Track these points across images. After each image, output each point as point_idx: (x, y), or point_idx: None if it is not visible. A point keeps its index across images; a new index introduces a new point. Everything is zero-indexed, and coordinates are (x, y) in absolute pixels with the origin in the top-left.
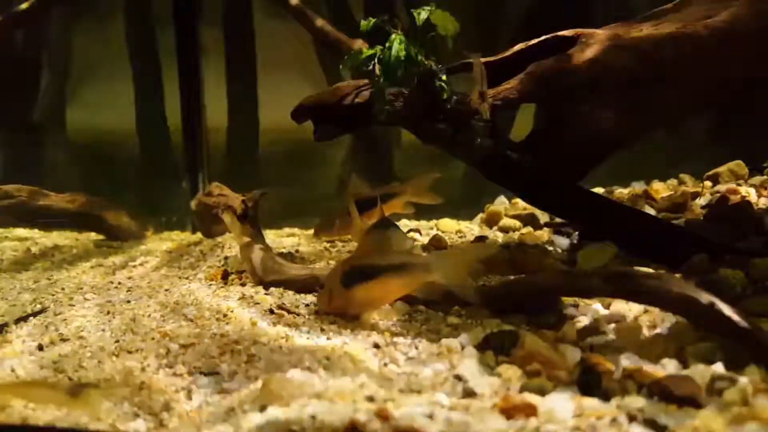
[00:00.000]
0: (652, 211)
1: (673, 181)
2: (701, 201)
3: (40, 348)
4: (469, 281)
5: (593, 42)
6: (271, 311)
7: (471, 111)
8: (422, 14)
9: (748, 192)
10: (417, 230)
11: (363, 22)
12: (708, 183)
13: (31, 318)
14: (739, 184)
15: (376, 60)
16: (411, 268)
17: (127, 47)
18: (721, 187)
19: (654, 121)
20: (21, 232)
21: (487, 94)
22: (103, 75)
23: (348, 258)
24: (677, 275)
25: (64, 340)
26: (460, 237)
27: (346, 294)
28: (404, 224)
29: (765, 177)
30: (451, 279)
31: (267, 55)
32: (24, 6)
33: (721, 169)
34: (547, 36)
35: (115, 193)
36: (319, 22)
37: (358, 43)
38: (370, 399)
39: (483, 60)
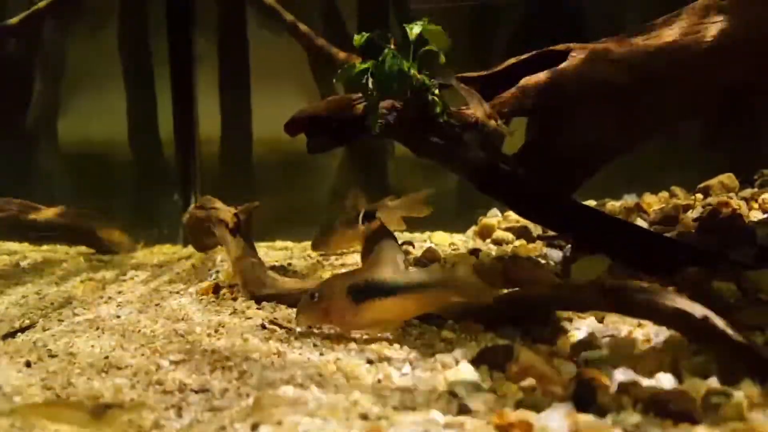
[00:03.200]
0: (644, 224)
1: (664, 194)
2: (693, 213)
3: (28, 365)
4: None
5: (584, 56)
6: (263, 326)
7: (464, 124)
8: (415, 29)
9: (739, 204)
10: (410, 243)
11: (356, 37)
12: (699, 195)
13: (19, 333)
14: (730, 197)
15: (369, 74)
16: (430, 288)
17: (121, 57)
18: (713, 200)
19: (645, 132)
20: (11, 245)
21: (493, 111)
22: (95, 84)
23: (354, 270)
24: (670, 288)
25: (52, 356)
26: (454, 249)
27: (354, 310)
28: (397, 237)
29: (755, 189)
30: (474, 295)
31: (261, 67)
32: (15, 20)
33: (712, 181)
34: (539, 50)
35: (106, 205)
36: (313, 35)
37: (352, 57)
38: (364, 417)
39: (475, 74)
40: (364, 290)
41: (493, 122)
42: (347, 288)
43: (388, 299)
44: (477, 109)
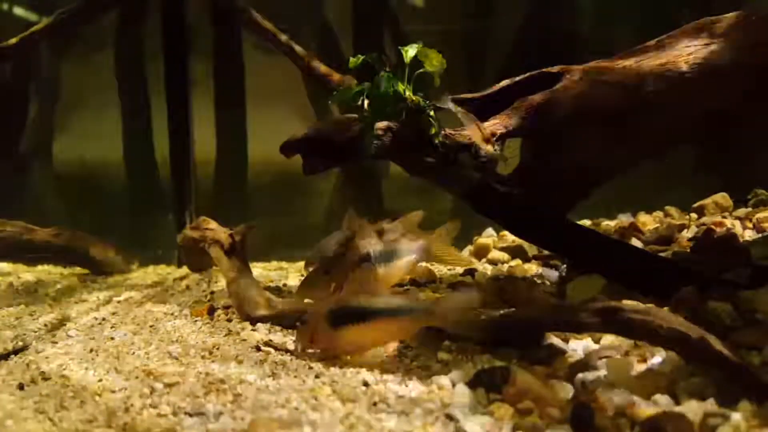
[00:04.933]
0: (639, 244)
1: (659, 213)
2: (688, 233)
3: (21, 387)
4: (472, 322)
5: (578, 77)
6: (258, 348)
7: (459, 145)
8: (410, 51)
9: (734, 224)
10: None
11: (352, 59)
12: (694, 215)
13: (12, 356)
14: (724, 216)
15: (364, 96)
16: (409, 313)
17: (116, 79)
18: (707, 220)
19: (639, 154)
20: (4, 266)
21: (490, 135)
22: (91, 106)
23: (335, 296)
24: (666, 308)
25: (45, 378)
26: (449, 270)
27: (333, 335)
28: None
29: (749, 209)
30: (455, 324)
31: (256, 89)
32: (13, 40)
33: (707, 201)
34: (533, 72)
35: (101, 226)
36: (309, 57)
37: (347, 79)
38: None
39: (469, 96)
40: (340, 315)
41: (489, 147)
42: (326, 313)
43: (364, 324)
44: (474, 133)
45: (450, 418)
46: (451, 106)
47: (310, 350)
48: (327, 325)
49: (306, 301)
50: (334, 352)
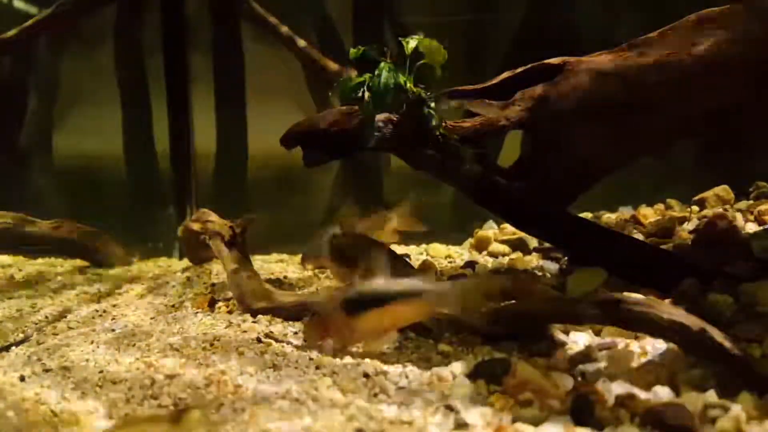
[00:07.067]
0: (640, 236)
1: (660, 206)
2: (689, 226)
3: (22, 379)
4: (481, 311)
5: (579, 69)
6: (259, 340)
7: (460, 137)
8: (411, 43)
9: (735, 216)
10: (407, 255)
11: (352, 51)
12: (695, 208)
13: (13, 347)
14: (725, 209)
15: (365, 87)
16: (425, 296)
17: (116, 73)
18: (708, 212)
19: (640, 147)
20: (5, 258)
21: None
22: (91, 100)
23: (349, 284)
24: (667, 301)
25: (47, 370)
26: (450, 262)
27: (350, 322)
28: (393, 249)
29: (751, 201)
30: (465, 309)
31: (256, 82)
32: (11, 33)
33: (708, 194)
34: (534, 64)
35: (101, 219)
36: (309, 49)
37: (345, 70)
38: None
39: (470, 88)
40: (357, 302)
41: (508, 111)
42: (341, 302)
43: (380, 310)
44: (487, 109)
45: (450, 408)
46: (453, 103)
47: (320, 342)
48: (343, 314)
49: (307, 293)
50: (352, 339)
